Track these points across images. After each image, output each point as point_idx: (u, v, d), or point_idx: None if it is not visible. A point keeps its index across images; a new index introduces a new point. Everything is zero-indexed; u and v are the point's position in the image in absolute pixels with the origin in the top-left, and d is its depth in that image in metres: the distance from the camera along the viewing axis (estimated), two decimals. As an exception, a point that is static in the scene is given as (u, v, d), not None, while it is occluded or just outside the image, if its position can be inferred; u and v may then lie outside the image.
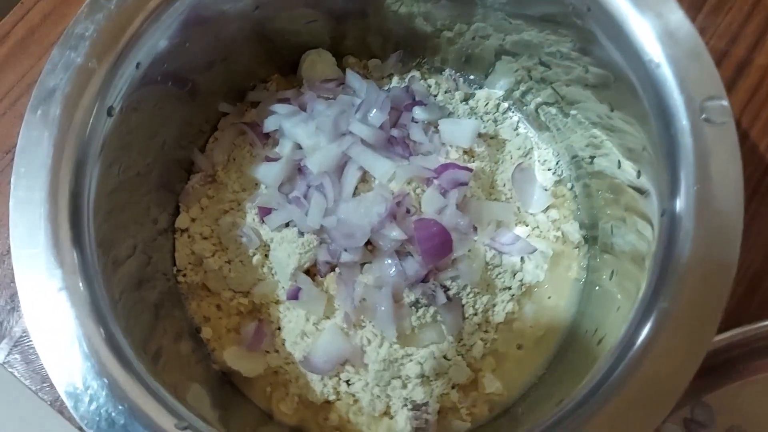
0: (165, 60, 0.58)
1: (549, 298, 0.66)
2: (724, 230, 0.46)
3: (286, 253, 0.62)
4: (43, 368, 0.66)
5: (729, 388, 0.63)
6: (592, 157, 0.65)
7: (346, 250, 0.61)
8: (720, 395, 0.63)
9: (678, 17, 0.49)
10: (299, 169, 0.65)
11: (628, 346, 0.46)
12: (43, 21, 0.77)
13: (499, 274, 0.64)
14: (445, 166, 0.63)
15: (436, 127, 0.67)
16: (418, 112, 0.67)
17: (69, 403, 0.45)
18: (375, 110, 0.65)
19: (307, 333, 0.63)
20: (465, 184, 0.62)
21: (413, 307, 0.61)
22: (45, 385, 0.67)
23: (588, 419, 0.45)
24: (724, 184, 0.47)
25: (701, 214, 0.46)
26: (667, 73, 0.49)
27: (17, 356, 0.68)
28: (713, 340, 0.46)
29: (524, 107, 0.72)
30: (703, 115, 0.48)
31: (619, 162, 0.59)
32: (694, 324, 0.45)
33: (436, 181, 0.62)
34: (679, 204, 0.47)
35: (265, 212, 0.64)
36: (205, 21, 0.60)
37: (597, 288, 0.64)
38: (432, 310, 0.61)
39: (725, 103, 0.47)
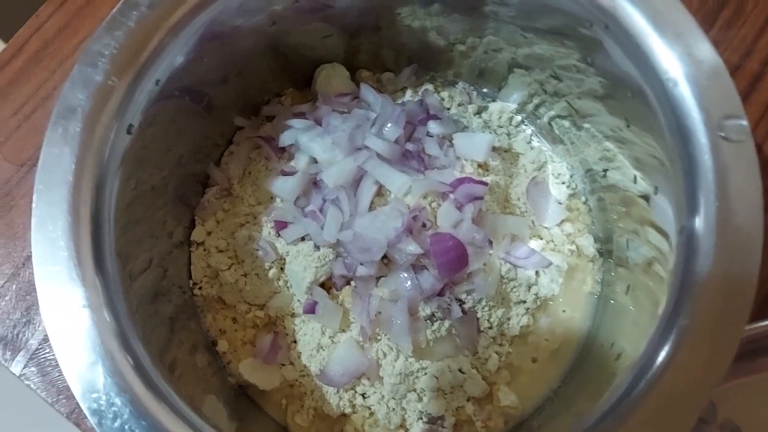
0: (182, 75, 0.58)
1: (564, 311, 0.66)
2: (744, 247, 0.46)
3: (302, 267, 0.63)
4: (60, 380, 0.67)
5: (732, 385, 0.64)
6: (606, 171, 0.65)
7: (362, 264, 0.61)
8: (722, 392, 0.63)
9: (697, 36, 0.49)
10: (315, 183, 0.65)
11: (648, 363, 0.46)
12: (57, 34, 0.78)
13: (514, 287, 0.65)
14: (461, 180, 0.63)
15: (450, 141, 0.68)
16: (433, 126, 0.67)
17: (93, 420, 0.45)
18: (390, 124, 0.65)
19: (323, 346, 0.63)
20: (480, 198, 0.63)
21: (428, 321, 0.61)
22: (61, 397, 0.68)
23: (608, 436, 0.45)
24: (743, 201, 0.47)
25: (721, 232, 0.47)
26: (685, 92, 0.49)
27: (33, 369, 0.68)
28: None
29: (538, 120, 0.72)
30: (722, 133, 0.48)
31: (635, 177, 0.59)
32: (715, 341, 0.45)
33: (451, 196, 0.63)
34: (698, 221, 0.47)
35: (281, 226, 0.65)
36: (222, 36, 0.60)
37: (612, 302, 0.64)
38: (447, 323, 0.61)
39: (744, 122, 0.47)
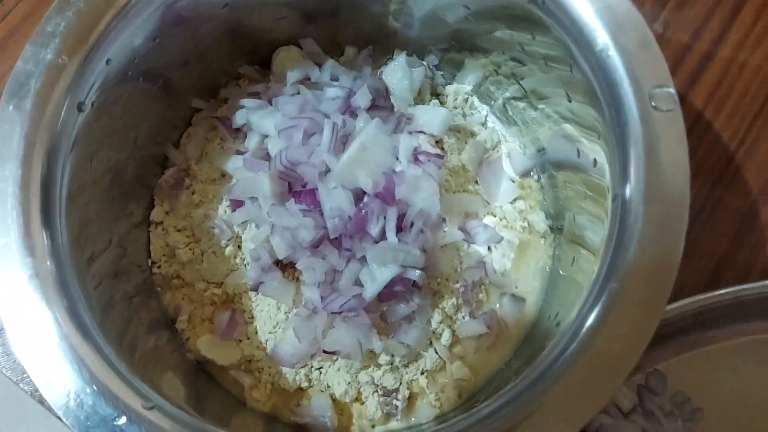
0: (136, 56, 0.59)
1: (516, 287, 0.67)
2: (672, 214, 0.48)
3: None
4: (23, 359, 0.68)
5: (682, 358, 0.66)
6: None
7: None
8: (673, 364, 0.65)
9: (626, 7, 0.51)
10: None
11: (580, 326, 0.48)
12: (22, 22, 0.79)
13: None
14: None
15: (408, 119, 0.69)
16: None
17: (40, 386, 0.46)
18: (359, 93, 0.66)
19: (279, 322, 0.64)
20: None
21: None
22: (25, 375, 0.69)
23: (541, 395, 0.46)
24: (672, 169, 0.48)
25: (650, 199, 0.48)
26: (617, 63, 0.50)
27: (-2, 348, 0.70)
28: (666, 309, 0.48)
29: (492, 102, 0.73)
30: (652, 103, 0.49)
31: (578, 151, 0.60)
32: (643, 304, 0.47)
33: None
34: (629, 189, 0.49)
35: (236, 204, 0.66)
36: (177, 18, 0.61)
37: (562, 275, 0.65)
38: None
39: (672, 90, 0.49)
